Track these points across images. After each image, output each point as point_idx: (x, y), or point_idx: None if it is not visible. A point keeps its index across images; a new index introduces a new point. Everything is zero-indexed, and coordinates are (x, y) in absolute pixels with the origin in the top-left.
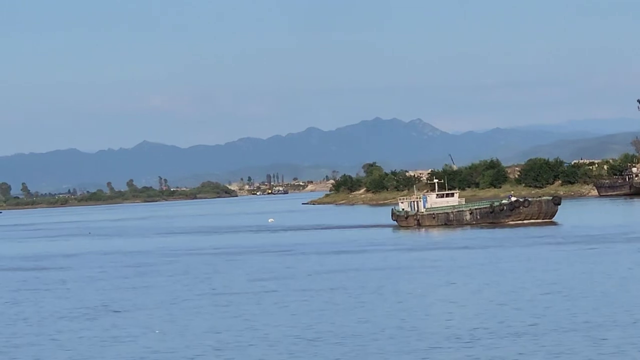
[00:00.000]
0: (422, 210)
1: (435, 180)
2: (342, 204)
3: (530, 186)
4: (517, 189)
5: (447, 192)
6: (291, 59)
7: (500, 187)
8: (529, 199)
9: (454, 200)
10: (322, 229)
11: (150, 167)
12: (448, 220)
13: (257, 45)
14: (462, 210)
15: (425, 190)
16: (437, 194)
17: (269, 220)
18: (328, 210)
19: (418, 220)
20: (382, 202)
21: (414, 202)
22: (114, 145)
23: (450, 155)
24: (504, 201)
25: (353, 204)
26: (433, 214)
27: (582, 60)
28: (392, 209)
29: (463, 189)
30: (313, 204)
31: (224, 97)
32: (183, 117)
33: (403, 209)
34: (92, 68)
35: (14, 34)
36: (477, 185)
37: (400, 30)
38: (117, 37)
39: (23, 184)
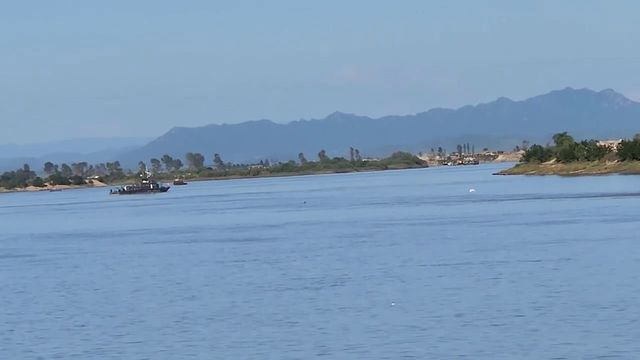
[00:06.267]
0: None
1: None
2: (532, 174)
3: None
4: None
5: None
6: (481, 31)
7: None
8: None
9: None
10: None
11: (341, 138)
12: None
13: (447, 20)
14: None
15: None
16: None
17: (470, 191)
18: (522, 180)
19: None
20: (572, 172)
21: None
22: (306, 116)
23: None
24: None
25: (543, 174)
26: None
27: None
28: None
29: None
30: (503, 174)
31: (415, 68)
32: (374, 88)
33: None
34: (285, 40)
35: (206, 10)
36: None
37: (593, 1)
38: (310, 10)
39: (216, 155)
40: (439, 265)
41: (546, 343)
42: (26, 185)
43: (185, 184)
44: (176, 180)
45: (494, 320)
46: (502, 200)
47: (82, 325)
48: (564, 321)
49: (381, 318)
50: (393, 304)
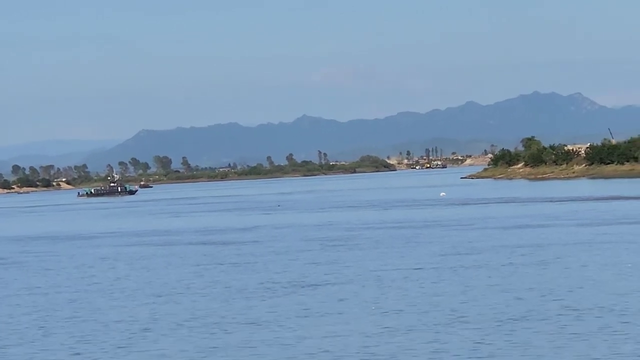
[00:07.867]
0: None
1: None
2: (500, 178)
3: None
4: None
5: None
6: (450, 35)
7: None
8: None
9: None
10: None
11: (309, 141)
12: None
13: (414, 24)
14: None
15: None
16: None
17: (441, 194)
18: (491, 184)
19: None
20: (540, 176)
21: None
22: (274, 119)
23: (609, 129)
24: None
25: (511, 178)
26: None
27: None
28: None
29: (622, 164)
30: (471, 178)
31: (384, 72)
32: (342, 92)
33: None
34: (254, 43)
35: (181, 11)
36: (635, 159)
37: (559, 4)
38: (279, 12)
39: (184, 157)
40: (414, 269)
41: (526, 346)
42: None
43: (151, 187)
44: (142, 183)
45: (472, 325)
46: (473, 204)
47: (53, 329)
48: (544, 325)
49: (362, 322)
50: (374, 307)
